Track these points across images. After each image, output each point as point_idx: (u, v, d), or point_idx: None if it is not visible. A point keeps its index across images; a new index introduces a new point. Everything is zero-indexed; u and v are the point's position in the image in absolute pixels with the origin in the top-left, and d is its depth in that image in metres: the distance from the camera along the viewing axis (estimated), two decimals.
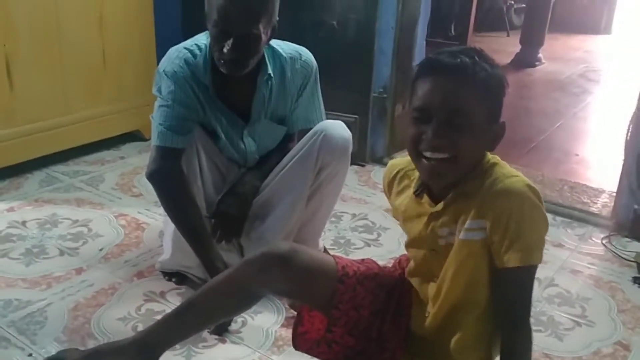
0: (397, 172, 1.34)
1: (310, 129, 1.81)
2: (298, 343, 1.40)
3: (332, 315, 1.32)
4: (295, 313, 1.67)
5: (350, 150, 1.80)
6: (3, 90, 2.42)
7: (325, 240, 2.15)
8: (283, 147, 1.88)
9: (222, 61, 1.62)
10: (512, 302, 1.18)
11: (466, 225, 1.17)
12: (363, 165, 2.90)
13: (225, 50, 1.58)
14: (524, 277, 1.16)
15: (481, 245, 1.17)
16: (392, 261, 1.48)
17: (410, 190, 1.28)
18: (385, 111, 2.88)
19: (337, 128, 1.77)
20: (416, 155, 1.17)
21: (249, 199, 1.80)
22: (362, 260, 1.40)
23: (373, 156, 2.96)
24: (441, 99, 1.12)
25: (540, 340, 1.70)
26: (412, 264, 1.33)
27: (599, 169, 2.97)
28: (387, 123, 2.91)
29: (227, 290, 1.36)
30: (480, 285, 1.20)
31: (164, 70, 1.68)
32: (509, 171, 1.17)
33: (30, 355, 1.53)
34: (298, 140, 1.85)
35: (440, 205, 1.21)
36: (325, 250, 2.03)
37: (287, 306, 1.75)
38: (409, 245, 1.32)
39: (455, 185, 1.19)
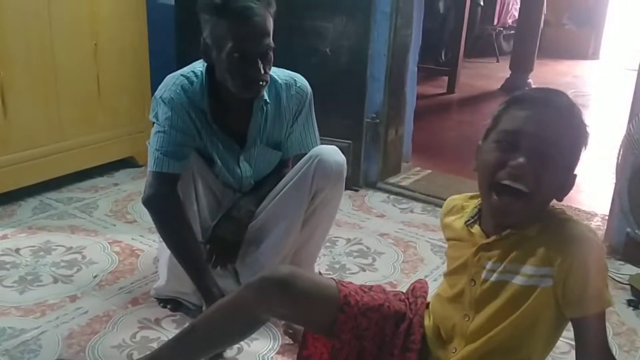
0: (454, 206, 1.34)
1: (305, 154, 1.82)
2: None
3: (334, 345, 1.30)
4: (292, 340, 1.68)
5: (345, 174, 1.81)
6: None
7: (321, 265, 2.14)
8: (278, 172, 1.89)
9: (247, 84, 1.63)
10: (594, 345, 1.16)
11: (529, 272, 1.16)
12: (357, 190, 2.91)
13: (251, 72, 1.60)
14: (601, 320, 1.16)
15: (543, 292, 1.15)
16: (389, 286, 1.47)
17: (463, 220, 1.28)
18: (379, 136, 2.90)
19: (332, 153, 1.78)
20: (489, 186, 1.15)
21: (245, 223, 1.80)
22: (371, 287, 1.38)
23: (367, 181, 2.97)
24: (538, 129, 1.11)
25: None
26: (448, 292, 1.30)
27: (591, 192, 2.99)
28: (380, 148, 2.93)
29: (228, 315, 1.36)
30: (530, 331, 1.19)
31: (160, 97, 1.69)
32: (574, 220, 1.18)
33: None
34: (293, 166, 1.86)
35: (492, 238, 1.20)
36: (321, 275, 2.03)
37: (282, 333, 1.74)
38: (451, 272, 1.30)
39: (515, 224, 1.18)
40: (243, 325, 1.38)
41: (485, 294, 1.21)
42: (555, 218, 1.19)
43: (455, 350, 1.25)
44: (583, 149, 1.17)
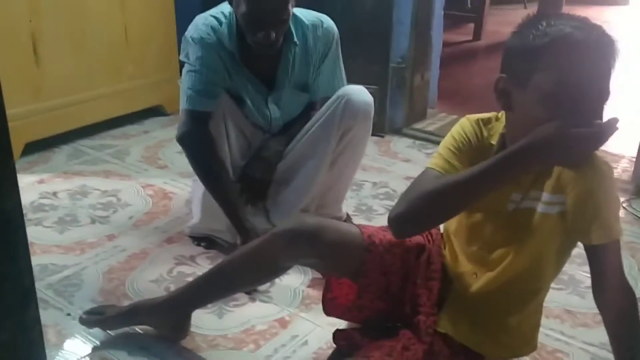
0: (479, 128, 1.26)
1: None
2: (328, 309, 1.45)
3: (361, 283, 1.35)
4: (321, 275, 1.74)
5: (372, 114, 1.83)
6: (30, 67, 2.48)
7: (347, 207, 2.18)
8: (306, 114, 1.91)
9: (257, 44, 1.67)
10: (608, 273, 1.17)
11: (545, 199, 1.18)
12: (382, 136, 2.92)
13: (260, 36, 1.64)
14: (614, 249, 1.15)
15: (558, 219, 1.17)
16: None
17: (486, 147, 1.23)
18: (404, 81, 2.89)
19: (359, 93, 1.80)
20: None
21: (274, 162, 1.85)
22: (387, 227, 1.43)
23: (392, 127, 2.98)
24: (597, 83, 1.07)
25: (562, 298, 1.74)
26: (462, 221, 1.31)
27: (619, 135, 2.97)
28: (406, 93, 2.93)
29: (255, 261, 1.40)
30: (545, 258, 1.23)
31: (191, 37, 1.72)
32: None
33: (69, 314, 1.60)
34: (320, 108, 1.88)
35: None
36: (348, 217, 2.07)
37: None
38: None
39: None
40: (267, 272, 1.44)
41: (509, 225, 1.23)
42: None
43: (476, 275, 1.30)
44: None
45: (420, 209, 1.16)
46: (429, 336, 1.29)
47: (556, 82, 1.06)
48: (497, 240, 1.26)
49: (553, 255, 1.24)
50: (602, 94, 1.08)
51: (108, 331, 1.52)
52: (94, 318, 1.51)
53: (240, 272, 1.43)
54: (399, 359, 1.27)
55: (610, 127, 1.07)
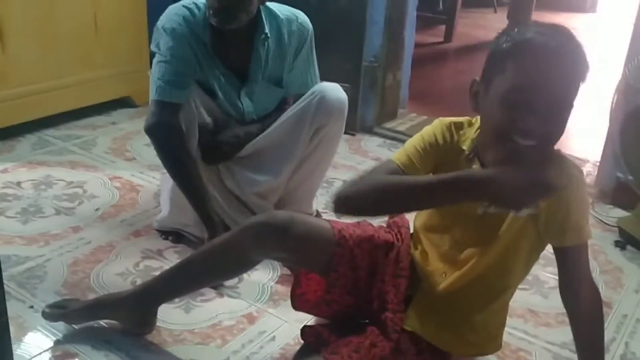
0: (451, 131, 1.27)
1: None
2: (297, 304, 1.45)
3: (331, 276, 1.36)
4: (290, 271, 1.74)
5: (346, 112, 1.83)
6: None
7: (318, 204, 2.18)
8: (279, 109, 1.90)
9: (212, 11, 1.64)
10: (575, 273, 1.21)
11: None
12: (353, 135, 2.93)
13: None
14: (582, 250, 1.20)
15: (527, 222, 1.20)
16: (383, 224, 1.51)
17: (459, 150, 1.24)
18: (376, 80, 2.90)
19: (334, 90, 1.81)
20: (497, 137, 1.12)
21: (243, 141, 1.84)
22: (358, 222, 1.43)
23: (363, 125, 2.99)
24: (552, 86, 1.06)
25: (526, 298, 1.76)
26: (433, 221, 1.34)
27: (583, 139, 3.04)
28: (378, 92, 2.94)
29: (224, 254, 1.39)
30: (513, 258, 1.26)
31: (162, 27, 1.70)
32: (563, 156, 1.19)
33: (31, 307, 1.56)
34: (293, 104, 1.88)
35: None
36: (318, 213, 2.07)
37: (281, 264, 1.79)
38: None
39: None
40: (237, 265, 1.43)
41: (479, 226, 1.26)
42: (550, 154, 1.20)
43: (445, 274, 1.31)
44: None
45: (364, 198, 1.19)
46: (396, 334, 1.31)
47: (511, 85, 1.08)
48: (467, 241, 1.28)
49: (521, 255, 1.26)
50: (558, 101, 1.08)
51: (72, 325, 1.49)
52: (57, 312, 1.48)
53: (210, 265, 1.42)
54: (367, 355, 1.28)
55: (554, 184, 1.06)
